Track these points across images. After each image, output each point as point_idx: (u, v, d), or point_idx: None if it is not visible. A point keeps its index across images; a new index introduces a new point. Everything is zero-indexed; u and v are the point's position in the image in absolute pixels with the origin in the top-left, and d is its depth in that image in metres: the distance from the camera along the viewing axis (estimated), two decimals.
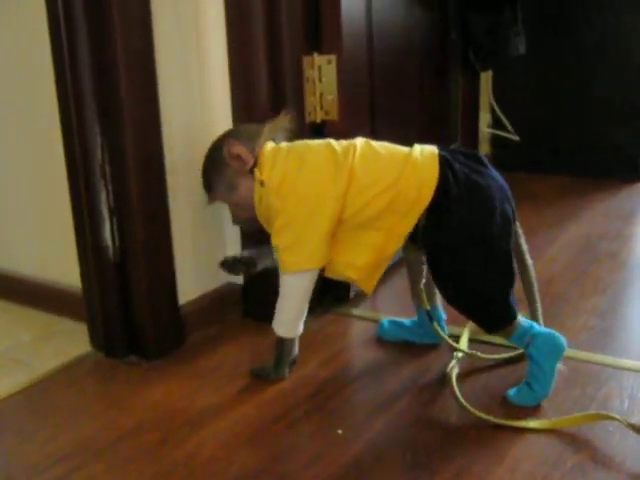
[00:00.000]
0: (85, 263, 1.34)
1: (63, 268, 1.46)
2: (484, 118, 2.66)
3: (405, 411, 1.13)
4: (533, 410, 1.10)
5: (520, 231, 1.19)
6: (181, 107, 1.33)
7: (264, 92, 1.34)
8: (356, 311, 1.51)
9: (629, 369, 1.21)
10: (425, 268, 1.22)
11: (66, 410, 1.18)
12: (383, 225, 1.12)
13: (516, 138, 2.61)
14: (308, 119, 1.42)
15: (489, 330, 1.17)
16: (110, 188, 1.25)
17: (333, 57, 1.40)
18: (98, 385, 1.30)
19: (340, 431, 1.07)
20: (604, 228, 2.00)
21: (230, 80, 1.37)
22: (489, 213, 1.10)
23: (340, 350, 1.36)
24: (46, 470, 1.01)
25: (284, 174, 1.14)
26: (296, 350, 1.24)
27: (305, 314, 1.20)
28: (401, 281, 1.40)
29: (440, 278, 1.16)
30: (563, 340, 1.12)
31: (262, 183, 1.15)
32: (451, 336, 1.28)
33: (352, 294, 1.55)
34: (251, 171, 1.16)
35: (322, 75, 1.41)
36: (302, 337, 1.23)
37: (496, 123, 2.66)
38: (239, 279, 1.49)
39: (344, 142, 1.16)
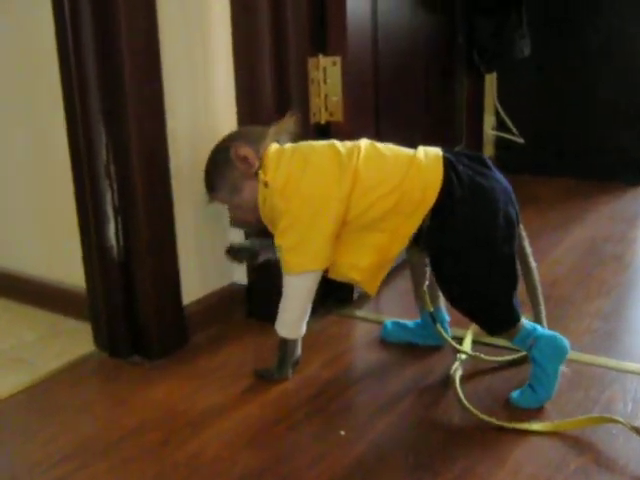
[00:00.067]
0: (89, 263, 1.34)
1: (67, 268, 1.47)
2: (489, 120, 2.66)
3: (408, 412, 1.13)
4: (536, 412, 1.10)
5: (524, 233, 1.19)
6: (185, 110, 1.34)
7: (269, 94, 1.35)
8: (359, 312, 1.51)
9: (633, 372, 1.21)
10: (428, 270, 1.22)
11: (69, 409, 1.18)
12: (387, 226, 1.12)
13: (520, 140, 2.61)
14: (313, 120, 1.42)
15: (492, 332, 1.17)
16: (115, 188, 1.25)
17: (338, 59, 1.40)
18: (101, 385, 1.30)
19: (343, 432, 1.07)
20: (609, 231, 1.99)
21: (235, 81, 1.38)
22: (493, 215, 1.10)
23: (343, 351, 1.36)
24: (49, 469, 1.01)
25: (288, 175, 1.14)
26: (299, 351, 1.24)
27: (308, 315, 1.20)
28: (404, 283, 1.40)
29: (443, 280, 1.16)
30: (566, 343, 1.12)
31: (266, 184, 1.15)
32: (454, 338, 1.28)
33: (355, 295, 1.55)
34: (255, 173, 1.16)
35: (327, 76, 1.41)
36: (305, 338, 1.23)
37: (500, 125, 2.65)
38: (243, 279, 1.50)
39: (348, 143, 1.16)
